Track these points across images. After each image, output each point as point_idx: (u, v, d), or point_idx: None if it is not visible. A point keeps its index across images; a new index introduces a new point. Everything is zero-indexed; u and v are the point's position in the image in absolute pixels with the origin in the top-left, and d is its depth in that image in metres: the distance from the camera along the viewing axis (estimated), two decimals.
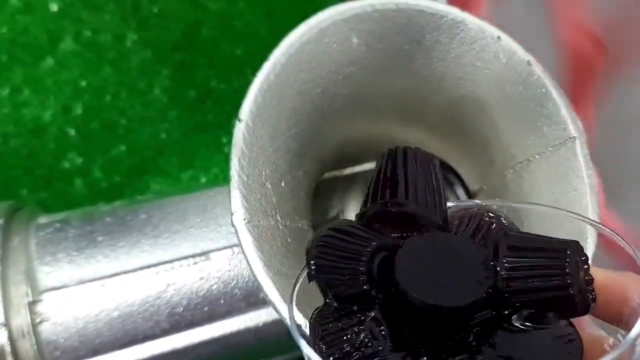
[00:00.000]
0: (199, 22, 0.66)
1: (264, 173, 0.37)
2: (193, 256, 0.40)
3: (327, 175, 0.45)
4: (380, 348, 0.23)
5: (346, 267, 0.25)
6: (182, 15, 0.66)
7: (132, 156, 0.61)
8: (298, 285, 0.26)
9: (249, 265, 0.33)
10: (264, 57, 0.61)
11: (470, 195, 0.44)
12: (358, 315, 0.25)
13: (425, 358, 0.23)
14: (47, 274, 0.39)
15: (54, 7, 0.65)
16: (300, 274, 0.26)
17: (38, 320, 0.39)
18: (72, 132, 0.62)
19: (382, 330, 0.24)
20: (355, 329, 0.24)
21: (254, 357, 0.43)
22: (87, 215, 0.42)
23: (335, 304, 0.25)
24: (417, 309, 0.23)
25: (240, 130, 0.36)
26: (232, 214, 0.34)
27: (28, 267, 0.39)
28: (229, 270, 0.41)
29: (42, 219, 0.42)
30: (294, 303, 0.25)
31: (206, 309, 0.41)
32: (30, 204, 0.56)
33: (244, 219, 0.34)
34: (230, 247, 0.41)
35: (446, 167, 0.45)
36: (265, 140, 0.37)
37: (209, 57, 0.65)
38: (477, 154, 0.42)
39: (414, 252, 0.24)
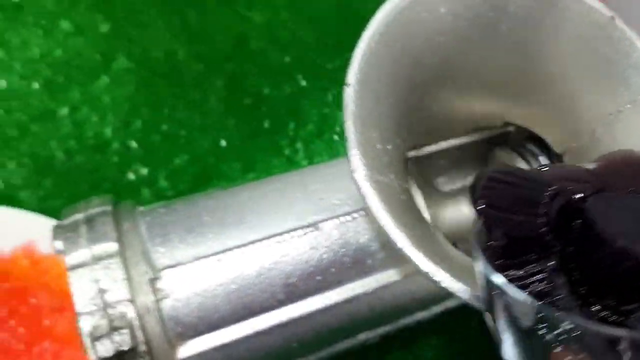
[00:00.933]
0: (245, 33, 0.69)
1: (373, 135, 0.38)
2: (302, 227, 0.41)
3: (412, 152, 0.46)
4: (561, 297, 0.23)
5: (522, 208, 0.24)
6: (229, 29, 0.68)
7: (195, 164, 0.62)
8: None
9: (377, 218, 0.34)
10: (312, 63, 0.64)
11: (557, 159, 0.46)
12: (534, 263, 0.24)
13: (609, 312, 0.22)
14: (162, 254, 0.40)
15: (104, 29, 0.67)
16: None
17: (159, 297, 0.39)
18: (134, 144, 0.64)
19: (561, 282, 0.24)
20: (535, 277, 0.24)
21: (364, 324, 0.44)
22: (186, 201, 0.43)
23: (501, 248, 0.25)
24: (621, 258, 0.22)
25: (349, 94, 0.37)
26: (352, 171, 0.35)
27: (143, 248, 0.39)
28: (337, 239, 0.42)
29: (142, 208, 0.43)
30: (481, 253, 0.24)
31: (319, 277, 0.42)
32: None
33: (365, 175, 0.36)
34: (337, 217, 0.42)
35: (531, 137, 0.47)
36: (371, 105, 0.38)
37: (259, 66, 0.67)
38: (563, 114, 0.44)
39: (610, 204, 0.23)
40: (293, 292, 0.41)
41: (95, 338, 0.37)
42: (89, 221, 0.41)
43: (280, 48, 0.68)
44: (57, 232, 0.40)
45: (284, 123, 0.65)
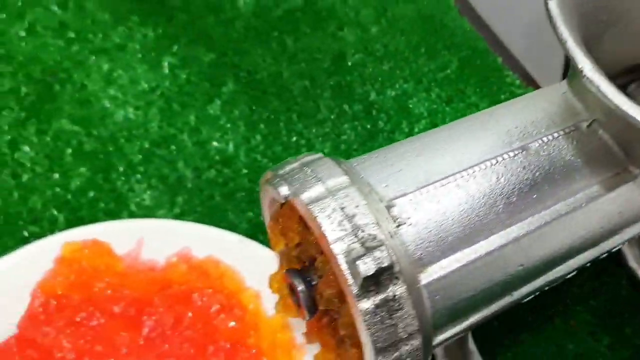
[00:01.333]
0: (342, 50, 0.72)
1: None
2: (511, 151, 0.43)
3: None
4: None
5: None
6: (326, 48, 0.72)
7: None
8: None
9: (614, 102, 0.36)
10: (410, 68, 0.67)
11: None
12: None
13: None
14: (385, 187, 0.41)
15: (207, 59, 0.70)
16: None
17: (397, 223, 0.40)
18: (258, 157, 0.65)
19: None
20: None
21: (578, 243, 0.44)
22: (385, 149, 0.45)
23: None
24: None
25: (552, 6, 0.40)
26: (581, 68, 0.38)
27: (368, 182, 0.40)
28: (545, 158, 0.43)
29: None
30: None
31: (535, 195, 0.43)
32: (239, 225, 0.60)
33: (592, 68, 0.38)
34: (539, 138, 0.44)
35: None
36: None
37: (360, 76, 0.70)
38: None
39: None
40: (513, 211, 0.42)
41: (354, 259, 0.37)
42: (308, 165, 0.42)
43: (377, 59, 0.71)
44: (276, 180, 0.41)
45: (398, 122, 0.68)
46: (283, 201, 0.41)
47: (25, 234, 0.57)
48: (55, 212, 0.59)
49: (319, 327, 0.46)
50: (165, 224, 0.58)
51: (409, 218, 0.40)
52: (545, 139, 0.44)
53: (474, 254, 0.41)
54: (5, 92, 0.64)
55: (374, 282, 0.37)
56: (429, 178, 0.41)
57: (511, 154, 0.43)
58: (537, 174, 0.43)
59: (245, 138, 0.65)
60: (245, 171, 0.63)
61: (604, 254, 0.47)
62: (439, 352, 0.53)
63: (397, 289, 0.37)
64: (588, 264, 0.46)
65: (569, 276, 0.46)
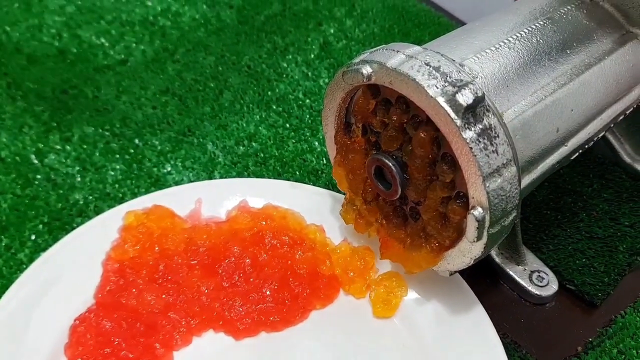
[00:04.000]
0: (326, 40, 0.80)
1: None
2: (540, 21, 0.51)
3: None
4: None
5: None
6: (312, 40, 0.79)
7: None
8: None
9: None
10: None
11: None
12: None
13: None
14: (452, 54, 0.48)
15: (208, 61, 0.76)
16: None
17: (471, 77, 0.46)
18: (280, 130, 0.70)
19: None
20: None
21: (611, 93, 0.52)
22: (439, 39, 0.52)
23: None
24: None
25: None
26: None
27: (438, 52, 0.47)
28: (567, 23, 0.52)
29: None
30: None
31: (568, 51, 0.51)
32: None
33: None
34: (558, 11, 0.52)
35: None
36: None
37: (349, 57, 0.78)
38: None
39: None
40: (556, 65, 0.50)
41: (452, 95, 0.43)
42: (379, 50, 0.48)
43: (358, 42, 0.80)
44: (355, 66, 0.47)
45: None
46: (366, 81, 0.46)
47: (76, 226, 0.58)
48: (99, 204, 0.61)
49: (394, 227, 0.51)
50: (218, 182, 0.61)
51: (478, 73, 0.46)
52: (562, 11, 0.52)
53: (537, 100, 0.48)
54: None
55: (472, 113, 0.42)
56: (483, 46, 0.48)
57: (541, 22, 0.51)
58: (565, 35, 0.51)
59: (262, 117, 0.70)
60: (271, 142, 0.67)
61: (628, 110, 0.55)
62: (494, 251, 0.58)
63: (491, 120, 0.43)
64: (612, 124, 0.54)
65: (598, 137, 0.53)
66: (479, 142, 0.42)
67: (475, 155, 0.42)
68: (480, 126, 0.42)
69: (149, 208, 0.57)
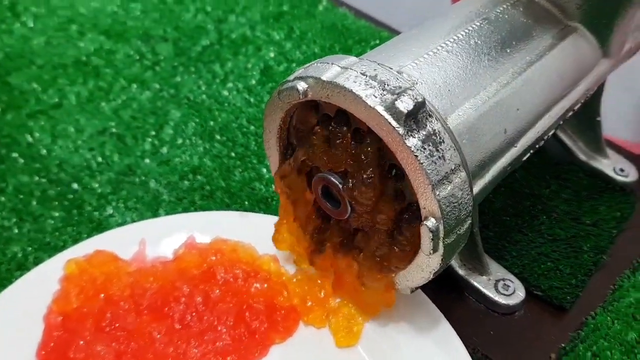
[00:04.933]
0: (267, 64, 0.78)
1: None
2: (477, 22, 0.50)
3: None
4: None
5: None
6: (252, 66, 0.78)
7: None
8: None
9: None
10: None
11: None
12: None
13: None
14: (389, 62, 0.46)
15: (144, 96, 0.73)
16: None
17: (410, 84, 0.44)
18: (224, 160, 0.68)
19: None
20: None
21: (557, 90, 0.51)
22: (377, 49, 0.50)
23: None
24: None
25: None
26: None
27: (375, 62, 0.46)
28: (504, 22, 0.51)
29: None
30: None
31: (508, 50, 0.50)
32: None
33: None
34: (494, 10, 0.51)
35: None
36: None
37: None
38: None
39: None
40: (497, 64, 0.48)
41: (391, 103, 0.41)
42: (312, 65, 0.46)
43: (300, 64, 0.78)
44: (290, 83, 0.44)
45: None
46: (302, 97, 0.44)
47: (15, 281, 0.55)
48: (39, 255, 0.57)
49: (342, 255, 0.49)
50: (162, 220, 0.58)
51: (417, 79, 0.44)
52: (498, 10, 0.51)
53: (480, 102, 0.46)
54: None
55: (414, 120, 0.40)
56: (421, 52, 0.47)
57: (477, 24, 0.49)
58: (503, 34, 0.50)
59: (205, 149, 0.67)
60: (216, 173, 0.65)
61: (575, 105, 0.53)
62: (456, 263, 0.56)
63: (434, 125, 0.41)
64: (561, 121, 0.52)
65: (548, 135, 0.52)
66: (424, 149, 0.40)
67: (422, 163, 0.40)
68: (424, 132, 0.40)
69: (90, 254, 0.53)
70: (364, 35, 0.81)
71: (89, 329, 0.50)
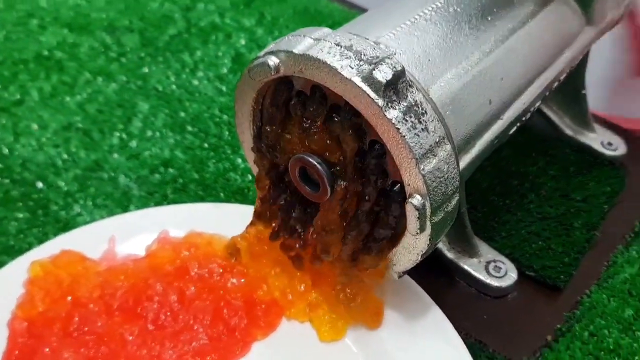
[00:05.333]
0: (238, 52, 0.75)
1: None
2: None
3: None
4: None
5: None
6: (222, 54, 0.74)
7: None
8: None
9: None
10: None
11: None
12: None
13: None
14: (366, 33, 0.43)
15: (110, 89, 0.70)
16: None
17: (388, 53, 0.41)
18: (197, 152, 0.65)
19: None
20: None
21: (541, 58, 0.49)
22: (352, 22, 0.47)
23: None
24: None
25: None
26: None
27: (350, 32, 0.43)
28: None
29: None
30: None
31: (489, 17, 0.47)
32: None
33: None
34: None
35: None
36: None
37: None
38: None
39: None
40: (479, 32, 0.46)
41: (368, 73, 0.38)
42: (285, 38, 0.43)
43: None
44: (261, 60, 0.42)
45: None
46: (274, 73, 0.41)
47: None
48: (3, 259, 0.54)
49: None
50: (132, 215, 0.54)
51: (396, 49, 0.41)
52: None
53: (463, 71, 0.43)
54: None
55: (393, 90, 0.38)
56: (398, 22, 0.44)
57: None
58: (484, 1, 0.47)
59: (177, 140, 0.64)
60: (189, 165, 0.61)
61: (561, 75, 0.51)
62: (444, 246, 0.53)
63: (415, 95, 0.38)
64: (548, 92, 0.50)
65: (534, 107, 0.49)
66: (406, 121, 0.37)
67: (404, 136, 0.37)
68: (405, 104, 0.38)
69: (56, 255, 0.50)
70: (337, 19, 0.78)
71: (56, 334, 0.47)
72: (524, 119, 0.49)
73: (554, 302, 0.52)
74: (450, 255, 0.53)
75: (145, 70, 0.71)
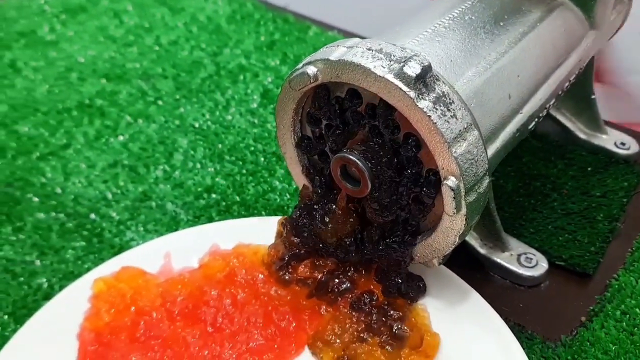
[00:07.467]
0: (266, 88, 0.81)
1: None
2: (468, 2, 0.53)
3: None
4: None
5: None
6: (251, 91, 0.80)
7: None
8: None
9: None
10: None
11: None
12: None
13: None
14: (393, 40, 0.48)
15: (151, 129, 0.75)
16: None
17: (412, 54, 0.47)
18: (237, 177, 0.70)
19: None
20: None
21: (552, 58, 0.53)
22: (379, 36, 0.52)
23: None
24: None
25: None
26: None
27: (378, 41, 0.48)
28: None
29: None
30: None
31: (501, 23, 0.52)
32: None
33: None
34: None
35: None
36: None
37: None
38: None
39: None
40: (493, 36, 0.51)
41: (399, 70, 0.43)
42: (320, 50, 0.48)
43: None
44: (300, 70, 0.47)
45: None
46: (313, 81, 0.46)
47: None
48: (64, 283, 0.58)
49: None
50: (185, 232, 0.58)
51: (420, 52, 0.46)
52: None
53: (483, 69, 0.48)
54: None
55: (423, 83, 0.42)
56: (419, 31, 0.49)
57: (469, 3, 0.52)
58: (495, 9, 0.52)
59: (217, 169, 0.69)
60: (230, 190, 0.66)
61: (571, 76, 0.55)
62: (477, 243, 0.57)
63: (443, 87, 0.43)
64: (561, 92, 0.55)
65: (550, 104, 0.54)
66: (436, 109, 0.42)
67: (435, 123, 0.41)
68: (434, 95, 0.42)
69: (117, 271, 0.54)
70: None
71: (124, 341, 0.50)
72: (541, 115, 0.53)
73: (584, 287, 0.55)
74: (483, 251, 0.56)
75: (182, 110, 0.76)
